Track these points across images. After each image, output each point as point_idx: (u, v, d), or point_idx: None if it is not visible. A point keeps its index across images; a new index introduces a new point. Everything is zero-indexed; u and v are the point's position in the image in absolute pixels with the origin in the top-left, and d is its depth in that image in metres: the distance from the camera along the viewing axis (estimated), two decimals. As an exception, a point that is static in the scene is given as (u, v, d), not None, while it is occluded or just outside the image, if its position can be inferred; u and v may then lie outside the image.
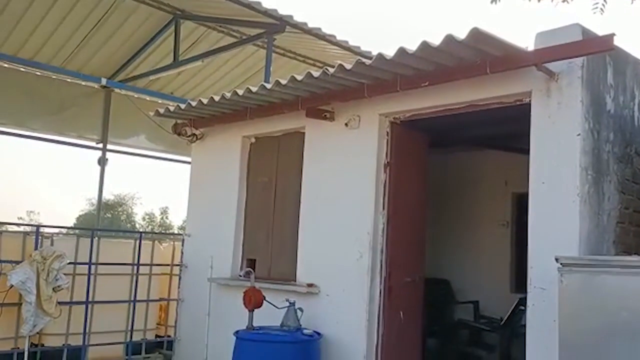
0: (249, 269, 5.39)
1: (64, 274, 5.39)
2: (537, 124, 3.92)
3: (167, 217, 29.48)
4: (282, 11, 7.19)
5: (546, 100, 3.87)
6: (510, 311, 6.29)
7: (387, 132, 4.99)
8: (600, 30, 3.59)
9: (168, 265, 6.80)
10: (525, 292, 3.89)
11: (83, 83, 9.33)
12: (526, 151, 4.01)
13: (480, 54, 3.85)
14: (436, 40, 3.74)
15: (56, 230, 7.77)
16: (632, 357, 3.01)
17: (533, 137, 3.94)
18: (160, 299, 6.78)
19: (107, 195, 26.12)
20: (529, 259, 3.87)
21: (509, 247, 7.53)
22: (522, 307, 4.17)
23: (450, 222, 7.88)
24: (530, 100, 3.97)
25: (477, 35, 3.54)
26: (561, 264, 3.30)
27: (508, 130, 5.43)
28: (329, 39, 7.89)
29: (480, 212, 7.79)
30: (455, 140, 6.85)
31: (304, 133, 5.53)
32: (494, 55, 3.83)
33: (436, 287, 7.65)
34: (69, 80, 9.19)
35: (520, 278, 4.33)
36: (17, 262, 5.33)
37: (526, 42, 3.86)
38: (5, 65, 8.57)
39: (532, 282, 3.82)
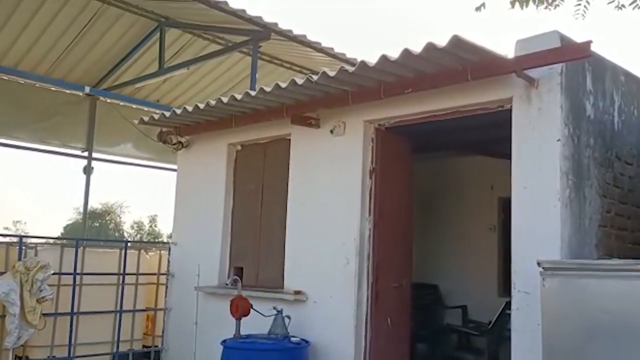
0: (236, 277, 5.37)
1: (48, 285, 5.33)
2: (518, 130, 3.96)
3: (155, 225, 29.21)
4: (267, 18, 7.21)
5: (526, 107, 3.91)
6: (497, 315, 6.33)
7: (372, 138, 5.02)
8: (585, 36, 3.65)
9: (154, 274, 6.75)
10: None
11: (67, 91, 9.27)
12: (510, 156, 4.05)
13: (461, 61, 3.89)
14: (418, 48, 3.78)
15: (41, 240, 7.67)
16: (613, 359, 3.04)
17: (514, 142, 3.98)
18: (147, 309, 6.71)
19: (95, 204, 25.87)
20: (513, 263, 3.91)
21: (496, 251, 7.58)
22: (509, 311, 4.20)
23: (438, 227, 7.92)
24: (511, 106, 4.02)
25: (457, 42, 3.58)
26: (543, 267, 3.33)
27: (493, 135, 5.47)
28: (315, 46, 7.93)
29: (468, 217, 7.84)
30: (442, 146, 6.90)
31: (289, 140, 5.54)
32: (474, 62, 3.87)
33: (424, 291, 7.70)
34: (53, 88, 9.13)
35: (508, 282, 4.37)
36: (1, 274, 5.26)
37: (510, 48, 3.92)
38: (-12, 74, 8.50)
39: (516, 286, 3.85)
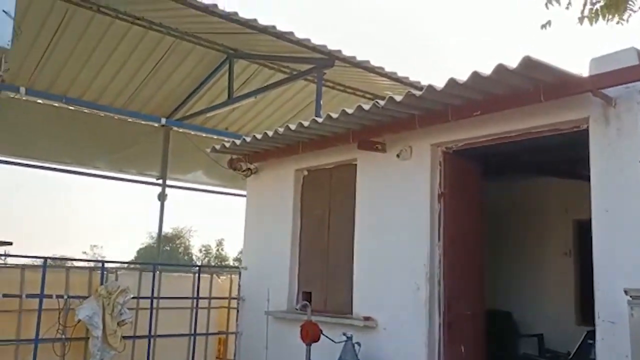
0: (306, 302, 5.41)
1: (128, 309, 5.56)
2: (597, 152, 3.81)
3: (222, 249, 30.00)
4: (331, 46, 7.35)
5: (604, 127, 3.76)
6: (578, 345, 6.00)
7: (440, 162, 4.96)
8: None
9: (226, 298, 6.90)
10: (593, 324, 3.73)
11: (143, 122, 9.76)
12: (586, 177, 3.90)
13: (533, 82, 3.80)
14: (486, 69, 3.74)
15: (119, 264, 8.05)
16: None
17: (593, 164, 3.83)
18: (219, 332, 6.86)
19: (166, 229, 26.88)
20: (595, 291, 3.72)
21: (572, 277, 7.24)
22: (590, 341, 3.98)
23: (511, 252, 7.66)
24: (587, 127, 3.88)
25: (529, 63, 3.51)
26: (631, 296, 3.15)
27: (567, 156, 5.29)
28: (378, 71, 7.97)
29: (541, 241, 7.55)
30: (512, 168, 6.71)
31: (356, 165, 5.58)
32: (547, 82, 3.77)
33: (498, 319, 7.41)
34: (130, 120, 9.64)
35: (586, 309, 4.16)
36: (84, 297, 5.54)
37: (578, 66, 3.80)
38: (71, 108, 9.08)
39: (600, 315, 3.66)
